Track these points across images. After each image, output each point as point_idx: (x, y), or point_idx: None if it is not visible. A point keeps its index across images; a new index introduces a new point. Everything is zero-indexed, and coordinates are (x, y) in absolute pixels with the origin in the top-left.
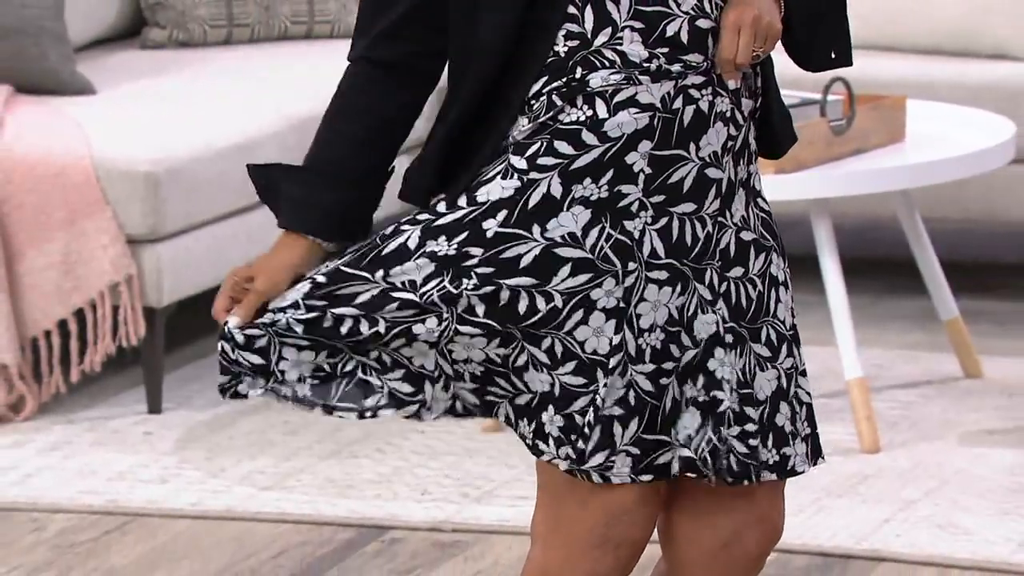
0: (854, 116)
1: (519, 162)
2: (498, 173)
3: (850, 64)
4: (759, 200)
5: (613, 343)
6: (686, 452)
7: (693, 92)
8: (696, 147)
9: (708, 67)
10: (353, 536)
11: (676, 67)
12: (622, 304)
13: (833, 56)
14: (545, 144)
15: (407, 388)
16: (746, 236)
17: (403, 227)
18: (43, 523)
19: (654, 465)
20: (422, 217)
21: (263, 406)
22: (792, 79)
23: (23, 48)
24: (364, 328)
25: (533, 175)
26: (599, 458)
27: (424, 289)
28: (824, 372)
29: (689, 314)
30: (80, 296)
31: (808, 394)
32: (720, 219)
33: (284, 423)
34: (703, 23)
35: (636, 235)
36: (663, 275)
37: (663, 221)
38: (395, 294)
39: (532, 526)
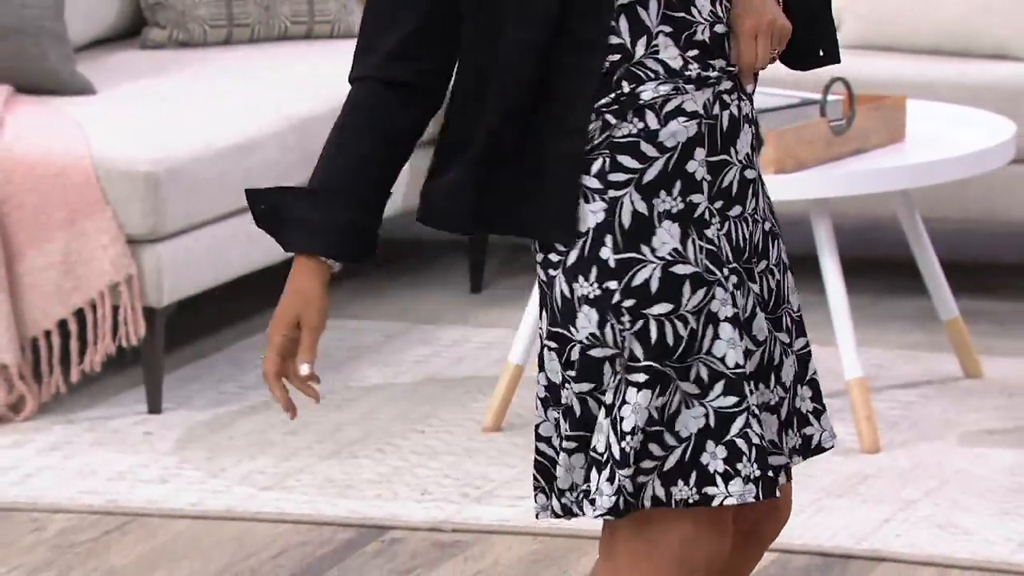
0: (854, 116)
1: (591, 182)
2: (576, 198)
3: (838, 62)
4: (762, 188)
5: (744, 350)
6: (782, 459)
7: (726, 97)
8: (735, 150)
9: (734, 72)
10: (353, 536)
11: (711, 73)
12: (735, 309)
13: (821, 54)
14: (608, 160)
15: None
16: (767, 226)
17: (549, 272)
18: (43, 523)
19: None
20: (552, 258)
21: (263, 406)
22: (792, 79)
23: (23, 48)
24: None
25: (612, 192)
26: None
27: (609, 339)
28: (824, 372)
29: (747, 315)
30: (80, 296)
31: (815, 372)
32: (755, 216)
33: (284, 423)
34: (719, 28)
35: (717, 242)
36: (735, 279)
37: (726, 227)
38: (593, 353)
39: (604, 547)
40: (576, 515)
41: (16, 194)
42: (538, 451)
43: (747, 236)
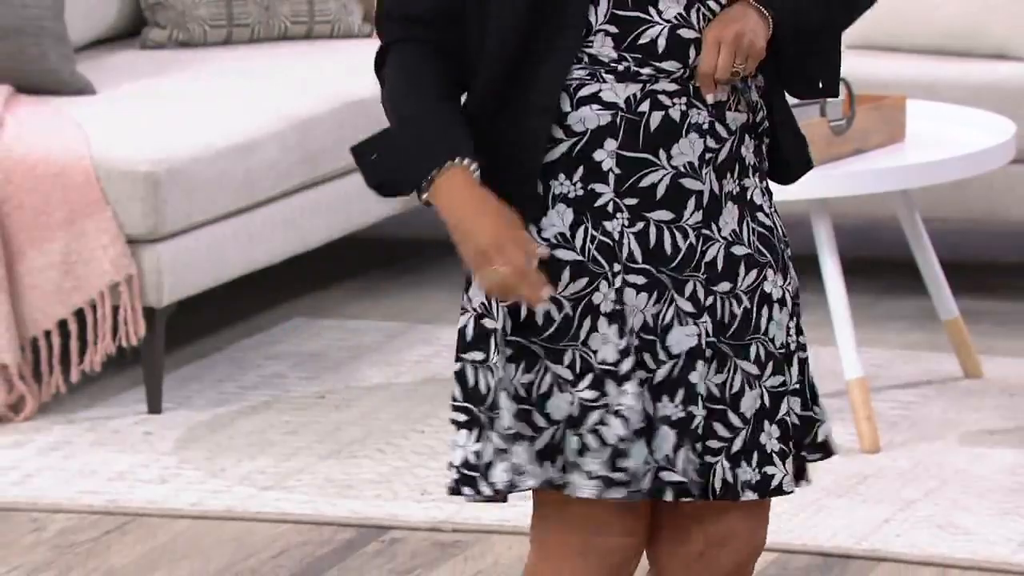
0: (854, 116)
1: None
2: (537, 173)
3: (836, 96)
4: (758, 215)
5: (620, 348)
6: (675, 476)
7: (663, 98)
8: (667, 155)
9: (684, 76)
10: (353, 536)
11: (646, 71)
12: (618, 307)
13: (820, 86)
14: None
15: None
16: (737, 251)
17: None
18: (43, 523)
19: (610, 479)
20: None
21: (263, 406)
22: None
23: (23, 48)
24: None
25: None
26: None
27: (492, 309)
28: (824, 372)
29: (664, 323)
30: (80, 296)
31: (789, 413)
32: (705, 231)
33: (284, 423)
34: (686, 32)
35: (616, 236)
36: (640, 280)
37: (639, 225)
38: (484, 323)
39: (530, 532)
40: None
41: (16, 194)
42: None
43: (680, 246)
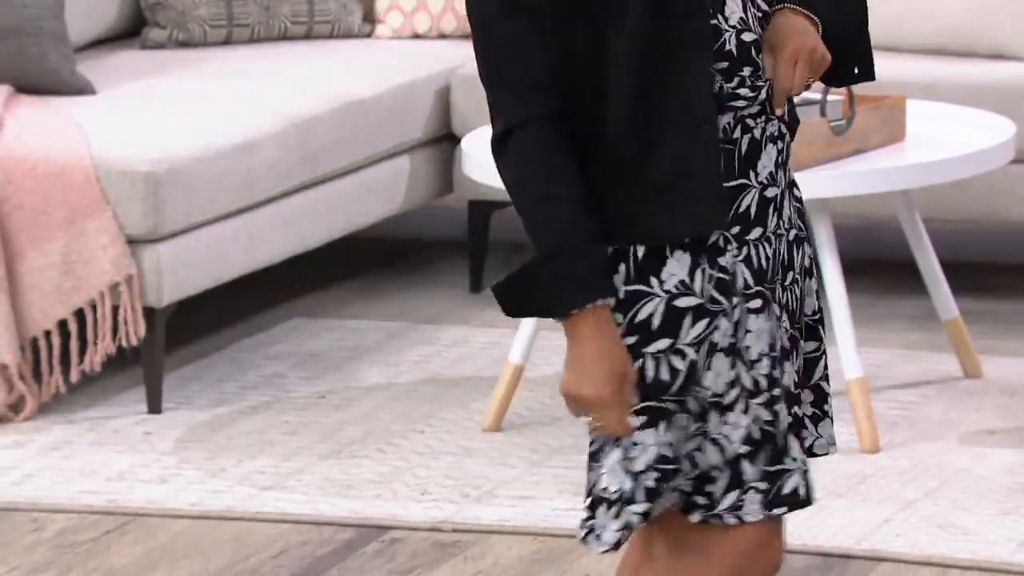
0: (854, 116)
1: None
2: (722, 182)
3: (873, 79)
4: (795, 190)
5: (728, 380)
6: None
7: (749, 121)
8: (754, 172)
9: (763, 96)
10: (353, 536)
11: (743, 91)
12: (732, 340)
13: (856, 71)
14: None
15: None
16: (791, 235)
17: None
18: (43, 523)
19: (781, 496)
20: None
21: (263, 406)
22: None
23: (23, 48)
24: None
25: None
26: (730, 499)
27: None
28: None
29: (776, 335)
30: (80, 296)
31: (824, 376)
32: (777, 232)
33: (284, 423)
34: (747, 36)
35: (731, 269)
36: (758, 303)
37: (744, 251)
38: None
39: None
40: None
41: (16, 194)
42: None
43: (769, 256)
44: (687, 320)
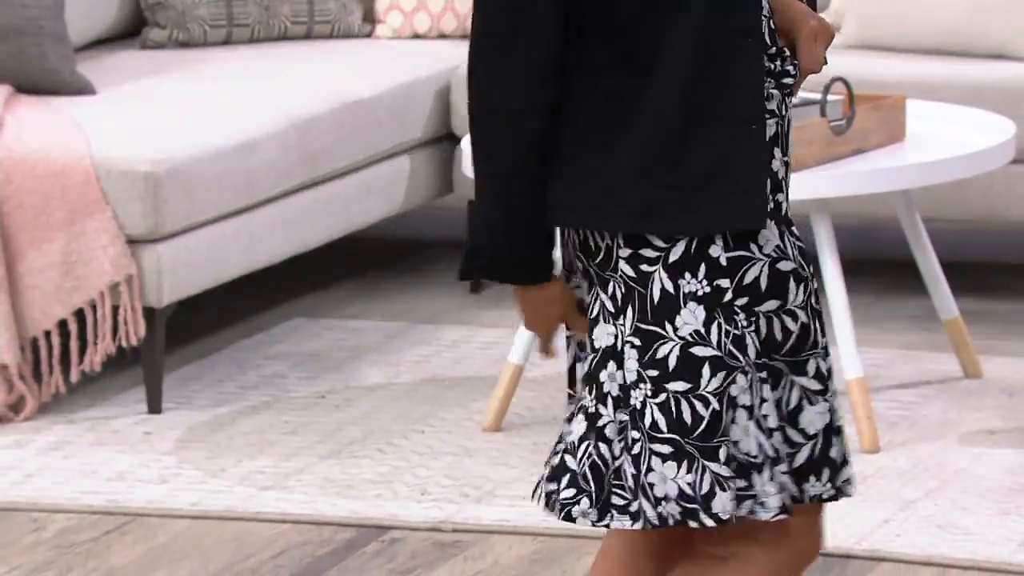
0: (854, 116)
1: None
2: (765, 179)
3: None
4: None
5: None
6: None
7: (787, 100)
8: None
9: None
10: (353, 536)
11: (778, 66)
12: (818, 307)
13: None
14: None
15: (740, 482)
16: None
17: (641, 268)
18: (43, 523)
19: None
20: (646, 253)
21: (263, 406)
22: None
23: (23, 48)
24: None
25: None
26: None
27: (714, 338)
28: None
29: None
30: (80, 296)
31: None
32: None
33: (284, 423)
34: (772, 24)
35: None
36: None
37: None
38: (695, 351)
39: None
40: (673, 524)
41: (16, 194)
42: (597, 451)
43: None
44: (791, 282)
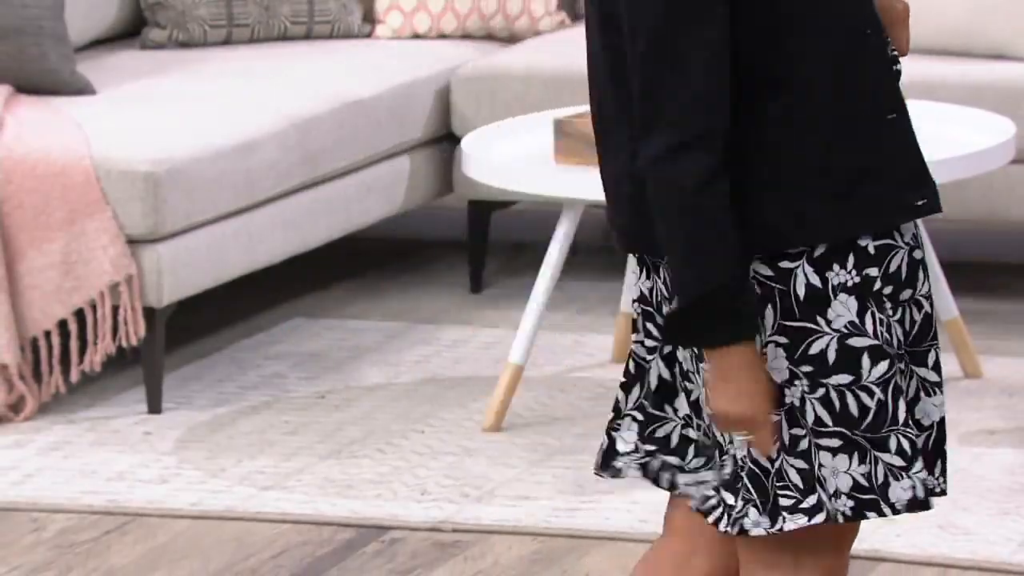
0: None
1: None
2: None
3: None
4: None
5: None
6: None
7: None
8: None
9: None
10: (353, 536)
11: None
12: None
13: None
14: None
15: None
16: (918, 255)
17: (780, 265)
18: (43, 523)
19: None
20: (787, 250)
21: (263, 406)
22: None
23: (23, 48)
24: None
25: None
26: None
27: (869, 328)
28: None
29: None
30: (80, 296)
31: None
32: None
33: (284, 423)
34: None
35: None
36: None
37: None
38: (852, 342)
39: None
40: (845, 519)
41: (16, 194)
42: (754, 462)
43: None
44: (920, 273)
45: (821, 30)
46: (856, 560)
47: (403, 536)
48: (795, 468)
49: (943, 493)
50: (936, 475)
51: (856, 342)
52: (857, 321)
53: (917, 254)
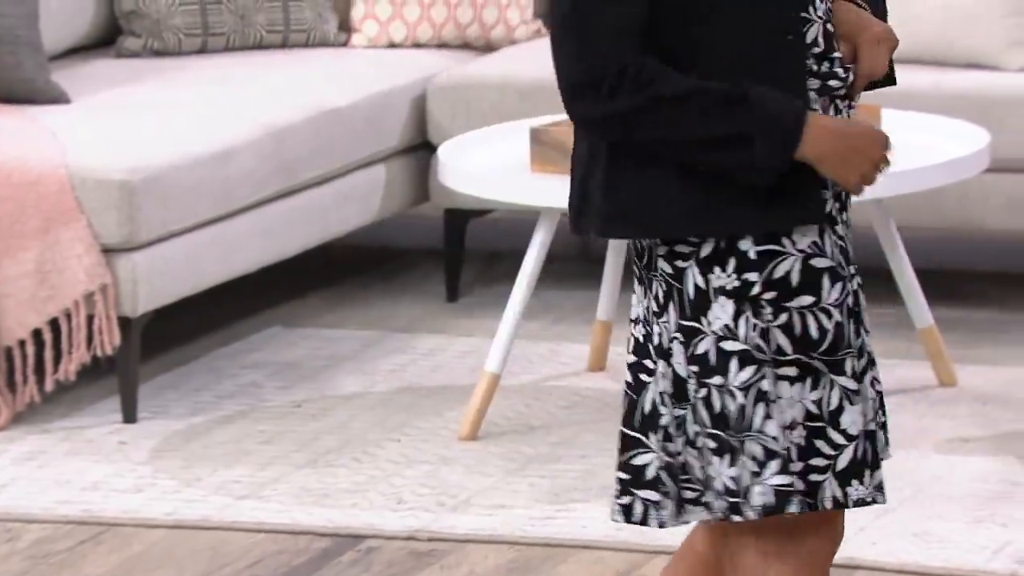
0: None
1: None
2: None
3: (895, 83)
4: (836, 228)
5: (858, 347)
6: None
7: (839, 103)
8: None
9: (846, 77)
10: (329, 545)
11: (825, 68)
12: (857, 308)
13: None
14: None
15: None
16: (818, 263)
17: (677, 264)
18: (17, 533)
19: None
20: (681, 249)
21: (238, 415)
22: None
23: None
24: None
25: None
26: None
27: (742, 333)
28: None
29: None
30: (55, 305)
31: (879, 383)
32: (848, 224)
33: (260, 432)
34: (830, 27)
35: (845, 240)
36: (858, 281)
37: (842, 230)
38: (725, 345)
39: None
40: (721, 519)
41: None
42: (665, 451)
43: (849, 241)
44: (825, 280)
45: (729, 23)
46: (833, 568)
47: (379, 545)
48: (696, 465)
49: (874, 502)
50: (867, 485)
51: (727, 345)
52: (731, 325)
53: (818, 262)
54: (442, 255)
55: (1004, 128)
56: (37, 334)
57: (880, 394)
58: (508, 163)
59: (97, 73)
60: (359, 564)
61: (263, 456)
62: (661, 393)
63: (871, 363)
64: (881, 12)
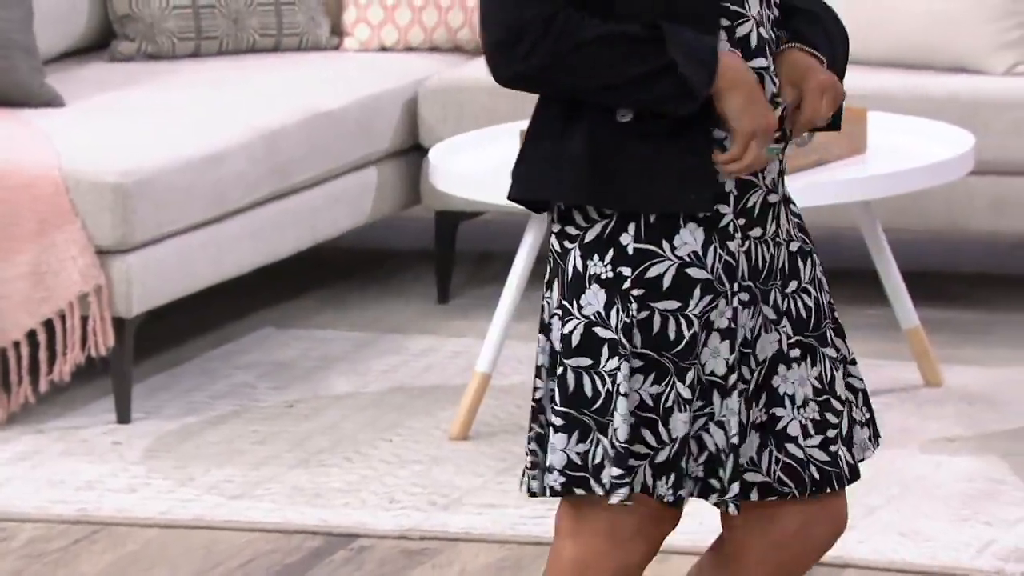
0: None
1: None
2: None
3: (838, 129)
4: (791, 205)
5: (729, 363)
6: (759, 477)
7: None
8: (762, 176)
9: (776, 99)
10: (321, 544)
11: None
12: (732, 325)
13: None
14: None
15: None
16: (793, 247)
17: (564, 244)
18: (12, 532)
19: (707, 483)
20: (569, 231)
21: (232, 415)
22: None
23: None
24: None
25: None
26: (735, 488)
27: (613, 322)
28: None
29: (754, 335)
30: (49, 307)
31: (860, 380)
32: (776, 239)
33: (253, 432)
34: (764, 32)
35: (737, 256)
36: (745, 297)
37: (746, 244)
38: (596, 331)
39: (558, 521)
40: (554, 494)
41: None
42: (539, 423)
43: (767, 259)
44: (696, 292)
45: (645, 15)
46: (819, 567)
47: (371, 544)
48: (536, 436)
49: (669, 503)
50: (669, 485)
51: (600, 332)
52: (603, 313)
53: (695, 272)
54: (433, 257)
55: (989, 131)
56: (32, 335)
57: (864, 391)
58: (499, 165)
59: (91, 76)
60: (351, 563)
61: (256, 456)
62: (539, 367)
63: (842, 363)
64: (840, 66)
